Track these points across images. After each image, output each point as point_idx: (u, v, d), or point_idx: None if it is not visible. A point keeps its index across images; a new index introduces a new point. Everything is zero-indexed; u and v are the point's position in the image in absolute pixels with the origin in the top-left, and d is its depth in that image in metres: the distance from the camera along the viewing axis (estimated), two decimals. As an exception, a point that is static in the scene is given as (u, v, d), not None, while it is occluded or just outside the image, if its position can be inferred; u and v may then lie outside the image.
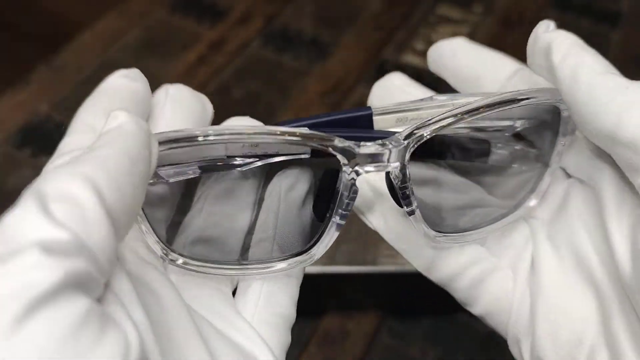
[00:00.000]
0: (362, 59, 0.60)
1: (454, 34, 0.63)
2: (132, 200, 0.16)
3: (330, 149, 0.21)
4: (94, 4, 0.64)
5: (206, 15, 0.63)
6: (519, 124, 0.26)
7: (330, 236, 0.23)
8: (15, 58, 0.60)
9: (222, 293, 0.23)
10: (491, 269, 0.26)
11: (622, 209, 0.23)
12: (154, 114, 0.24)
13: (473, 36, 0.61)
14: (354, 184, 0.22)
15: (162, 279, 0.21)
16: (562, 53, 0.23)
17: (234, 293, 0.24)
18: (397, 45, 0.61)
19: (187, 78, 0.57)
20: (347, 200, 0.23)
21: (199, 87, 0.58)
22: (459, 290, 0.26)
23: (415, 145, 0.22)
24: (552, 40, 0.23)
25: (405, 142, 0.22)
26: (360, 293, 0.44)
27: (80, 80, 0.57)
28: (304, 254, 0.24)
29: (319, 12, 0.65)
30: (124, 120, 0.17)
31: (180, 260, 0.22)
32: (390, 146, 0.22)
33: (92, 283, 0.15)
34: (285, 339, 0.24)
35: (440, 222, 0.26)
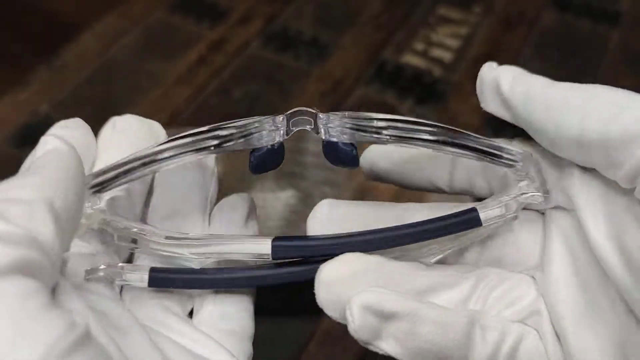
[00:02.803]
0: (362, 59, 0.60)
1: (454, 35, 0.63)
2: (74, 206, 0.19)
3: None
4: (94, 5, 0.64)
5: (206, 15, 0.63)
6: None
7: None
8: (15, 58, 0.60)
9: (175, 313, 0.24)
10: (519, 337, 0.23)
11: (598, 213, 0.22)
12: (101, 146, 0.25)
13: (473, 36, 0.62)
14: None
15: (117, 305, 0.22)
16: (510, 82, 0.23)
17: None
18: (396, 46, 0.61)
19: (187, 78, 0.57)
20: None
21: (199, 87, 0.58)
22: None
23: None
24: (498, 74, 0.23)
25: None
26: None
27: (81, 80, 0.57)
28: None
29: (319, 13, 0.65)
30: (56, 143, 0.20)
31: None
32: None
33: (43, 273, 0.16)
34: (246, 348, 0.24)
35: None
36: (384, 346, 0.23)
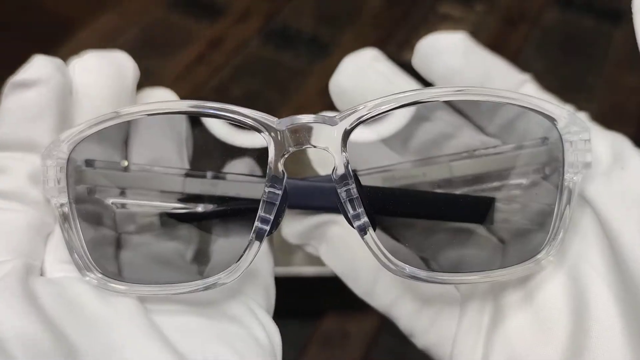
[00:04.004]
0: (363, 57, 0.60)
1: (455, 33, 0.63)
2: None
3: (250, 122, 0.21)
4: (93, 3, 0.64)
5: (205, 13, 0.63)
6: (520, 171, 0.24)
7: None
8: (13, 57, 0.59)
9: None
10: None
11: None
12: (73, 99, 0.24)
13: (475, 35, 0.61)
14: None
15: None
16: None
17: None
18: (397, 44, 0.61)
19: (185, 76, 0.57)
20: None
21: (198, 86, 0.57)
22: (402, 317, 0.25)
23: (354, 125, 0.20)
24: None
25: (341, 121, 0.20)
26: (360, 294, 0.43)
27: (78, 79, 0.56)
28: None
29: (319, 10, 0.64)
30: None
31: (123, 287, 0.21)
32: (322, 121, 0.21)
33: None
34: (263, 281, 0.24)
35: (410, 254, 0.24)
36: (315, 245, 0.26)
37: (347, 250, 0.25)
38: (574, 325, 0.20)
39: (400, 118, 0.25)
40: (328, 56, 0.59)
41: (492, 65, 0.26)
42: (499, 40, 0.60)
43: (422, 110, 0.25)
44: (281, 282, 0.39)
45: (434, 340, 0.24)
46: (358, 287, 0.26)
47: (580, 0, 0.64)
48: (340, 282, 0.44)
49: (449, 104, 0.25)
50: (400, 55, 0.59)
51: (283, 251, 0.42)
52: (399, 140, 0.26)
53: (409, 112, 0.25)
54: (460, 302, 0.24)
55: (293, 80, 0.57)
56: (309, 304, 0.42)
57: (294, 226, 0.26)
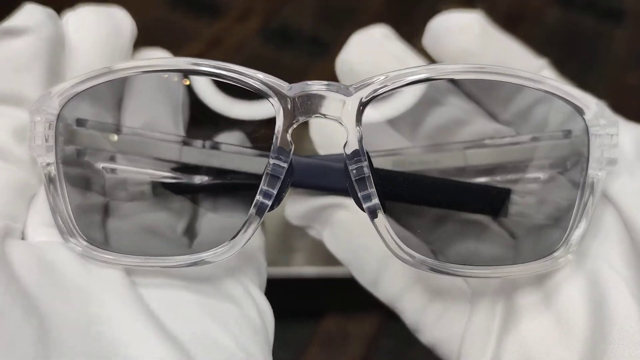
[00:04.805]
0: (363, 57, 0.59)
1: (456, 32, 0.63)
2: None
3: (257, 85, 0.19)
4: (90, 1, 0.63)
5: (205, 12, 0.63)
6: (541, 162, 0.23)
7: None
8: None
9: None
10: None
11: None
12: (66, 54, 0.22)
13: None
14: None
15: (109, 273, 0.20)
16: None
17: None
18: (398, 43, 0.61)
19: (185, 76, 0.57)
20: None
21: (198, 85, 0.57)
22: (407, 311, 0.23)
23: (369, 98, 0.19)
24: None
25: (357, 92, 0.19)
26: (361, 294, 0.43)
27: (78, 78, 0.56)
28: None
29: (319, 10, 0.64)
30: None
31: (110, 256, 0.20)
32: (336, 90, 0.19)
33: None
34: (256, 261, 0.23)
35: (419, 243, 0.22)
36: (318, 228, 0.24)
37: (352, 236, 0.24)
38: (593, 330, 0.19)
39: (408, 101, 0.24)
40: (328, 55, 0.59)
41: (508, 48, 0.24)
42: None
43: (432, 93, 0.24)
44: (281, 282, 0.39)
45: (440, 337, 0.23)
46: (362, 276, 0.24)
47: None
48: (341, 283, 0.44)
49: (461, 87, 0.24)
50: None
51: (283, 251, 0.42)
52: (408, 124, 0.25)
53: (417, 95, 0.24)
54: (470, 299, 0.23)
55: (293, 80, 0.57)
56: (309, 304, 0.42)
57: (297, 206, 0.25)
